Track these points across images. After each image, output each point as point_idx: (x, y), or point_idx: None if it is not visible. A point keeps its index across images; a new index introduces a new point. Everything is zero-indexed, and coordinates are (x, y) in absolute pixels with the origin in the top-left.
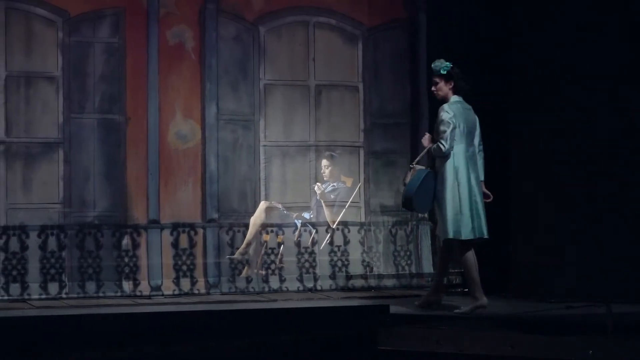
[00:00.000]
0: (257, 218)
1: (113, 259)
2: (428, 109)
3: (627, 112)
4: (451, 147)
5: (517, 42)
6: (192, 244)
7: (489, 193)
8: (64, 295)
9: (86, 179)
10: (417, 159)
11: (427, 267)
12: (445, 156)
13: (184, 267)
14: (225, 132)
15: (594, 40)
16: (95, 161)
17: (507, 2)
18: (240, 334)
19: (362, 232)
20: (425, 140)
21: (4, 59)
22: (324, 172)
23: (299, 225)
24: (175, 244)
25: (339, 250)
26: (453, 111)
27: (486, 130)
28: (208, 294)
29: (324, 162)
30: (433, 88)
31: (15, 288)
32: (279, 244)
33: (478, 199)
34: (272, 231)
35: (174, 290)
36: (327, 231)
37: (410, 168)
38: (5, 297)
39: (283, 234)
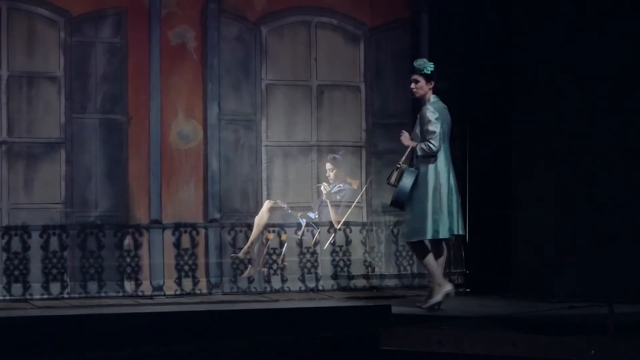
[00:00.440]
0: (261, 218)
1: (115, 259)
2: None
3: (627, 112)
4: (440, 147)
5: (517, 42)
6: (194, 244)
7: None
8: (65, 295)
9: (88, 179)
10: (403, 158)
11: None
12: (433, 156)
13: (186, 267)
14: (227, 132)
15: (594, 40)
16: (97, 161)
17: (507, 2)
18: (242, 334)
19: (364, 232)
20: (406, 139)
21: (6, 59)
22: (329, 175)
23: (303, 224)
24: (177, 244)
25: (340, 250)
26: (438, 111)
27: (486, 130)
28: (210, 294)
29: (328, 165)
30: (413, 86)
31: (17, 288)
32: (281, 243)
33: (455, 197)
34: (274, 231)
35: (176, 290)
36: (329, 231)
37: (397, 168)
38: (7, 297)
39: (285, 233)
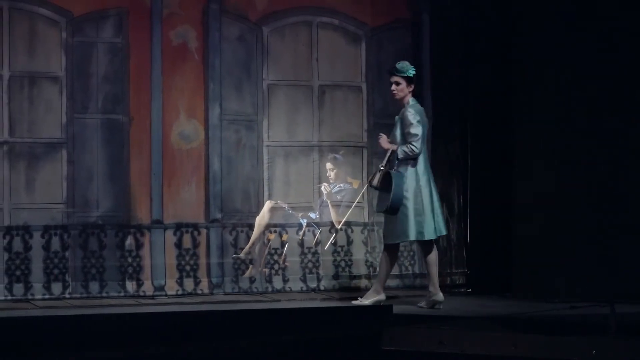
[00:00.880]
0: (262, 218)
1: (116, 259)
2: (431, 108)
3: (627, 112)
4: (421, 149)
5: (517, 42)
6: (195, 244)
7: None
8: (67, 295)
9: (89, 179)
10: (384, 161)
11: None
12: (414, 158)
13: (187, 267)
14: (229, 132)
15: (594, 40)
16: (99, 161)
17: (507, 2)
18: (244, 334)
19: (366, 232)
20: (384, 142)
21: (8, 59)
22: (330, 175)
23: (304, 224)
24: (178, 244)
25: (342, 250)
26: (418, 114)
27: (487, 130)
28: (211, 294)
29: (328, 165)
30: (393, 88)
31: (18, 288)
32: (283, 243)
33: (436, 198)
34: (275, 231)
35: (177, 290)
36: (330, 231)
37: (380, 170)
38: (9, 297)
39: (287, 233)
